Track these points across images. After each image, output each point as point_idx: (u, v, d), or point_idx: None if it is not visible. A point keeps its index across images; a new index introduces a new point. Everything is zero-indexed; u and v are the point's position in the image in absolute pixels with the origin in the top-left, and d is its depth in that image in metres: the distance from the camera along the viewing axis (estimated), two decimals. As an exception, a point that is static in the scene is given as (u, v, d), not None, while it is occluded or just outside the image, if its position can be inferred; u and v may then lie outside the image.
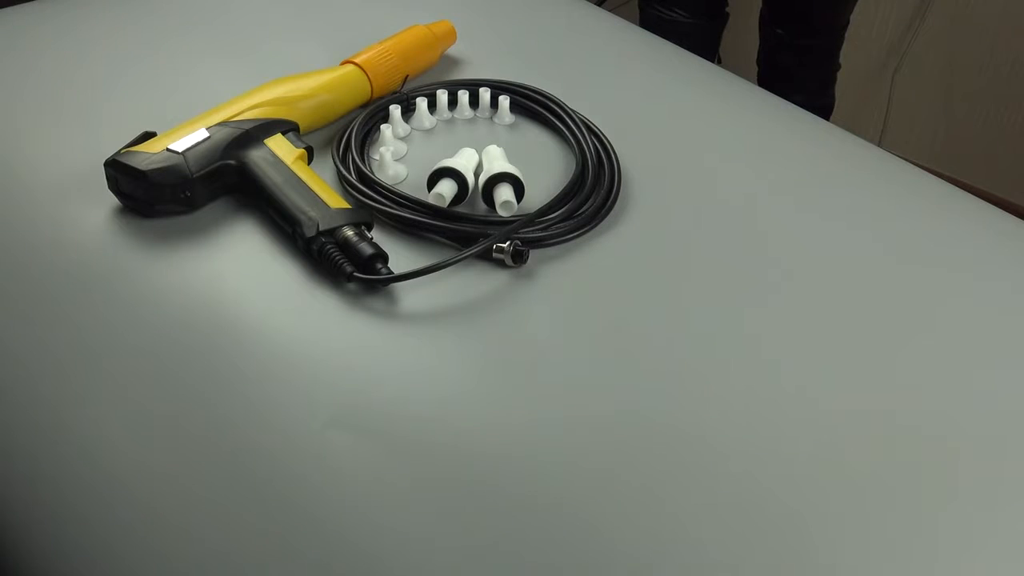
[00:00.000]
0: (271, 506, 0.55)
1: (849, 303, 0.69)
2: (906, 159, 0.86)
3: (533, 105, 0.87)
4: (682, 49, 1.02)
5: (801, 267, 0.72)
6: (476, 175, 0.77)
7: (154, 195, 0.72)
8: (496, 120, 0.87)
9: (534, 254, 0.71)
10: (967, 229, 0.78)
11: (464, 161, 0.76)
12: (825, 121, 0.92)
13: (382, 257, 0.68)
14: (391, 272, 0.67)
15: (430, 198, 0.73)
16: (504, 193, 0.73)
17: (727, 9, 1.66)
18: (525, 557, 0.52)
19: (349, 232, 0.68)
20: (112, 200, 0.74)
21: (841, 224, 0.77)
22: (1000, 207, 0.81)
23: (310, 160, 0.78)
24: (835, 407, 0.61)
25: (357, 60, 0.86)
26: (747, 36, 1.70)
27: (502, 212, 0.73)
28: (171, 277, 0.68)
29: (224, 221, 0.73)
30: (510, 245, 0.70)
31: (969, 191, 0.82)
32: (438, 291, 0.68)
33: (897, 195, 0.82)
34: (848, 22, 1.58)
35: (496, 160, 0.77)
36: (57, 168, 0.78)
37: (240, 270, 0.70)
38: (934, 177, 0.84)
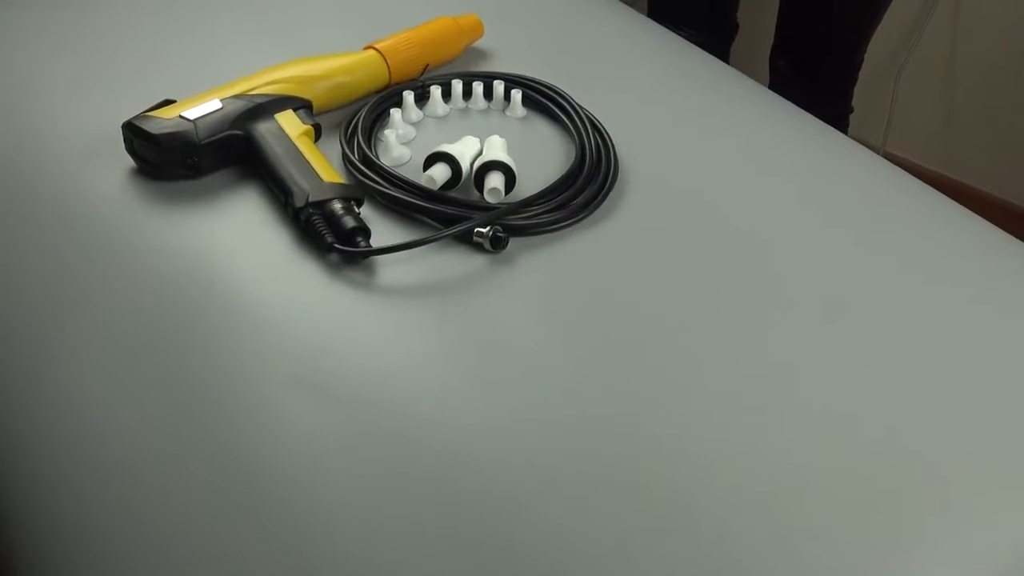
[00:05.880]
0: (223, 459, 0.58)
1: (843, 303, 0.69)
2: (909, 160, 0.86)
3: (543, 100, 0.88)
4: (707, 55, 1.02)
5: (793, 268, 0.73)
6: (473, 162, 0.79)
7: (163, 158, 0.76)
8: (508, 113, 0.89)
9: (518, 242, 0.73)
10: (963, 243, 0.78)
11: (463, 148, 0.78)
12: (830, 127, 0.91)
13: (363, 231, 0.70)
14: (370, 246, 0.70)
15: (422, 180, 0.75)
16: (493, 180, 0.75)
17: (737, 19, 1.62)
18: (487, 533, 0.54)
19: (337, 205, 0.71)
20: (130, 161, 0.78)
21: (838, 227, 0.77)
22: (1003, 209, 0.79)
23: (317, 138, 0.81)
24: (829, 406, 0.62)
25: (377, 46, 0.89)
26: (759, 48, 1.67)
27: (489, 198, 0.75)
28: (167, 235, 0.72)
29: (228, 188, 0.77)
30: (490, 230, 0.71)
31: (972, 193, 0.81)
32: (416, 269, 0.70)
33: (894, 202, 0.81)
34: (862, 60, 1.51)
35: (495, 149, 0.79)
36: (84, 128, 0.82)
37: (234, 234, 0.73)
38: (934, 191, 0.83)
